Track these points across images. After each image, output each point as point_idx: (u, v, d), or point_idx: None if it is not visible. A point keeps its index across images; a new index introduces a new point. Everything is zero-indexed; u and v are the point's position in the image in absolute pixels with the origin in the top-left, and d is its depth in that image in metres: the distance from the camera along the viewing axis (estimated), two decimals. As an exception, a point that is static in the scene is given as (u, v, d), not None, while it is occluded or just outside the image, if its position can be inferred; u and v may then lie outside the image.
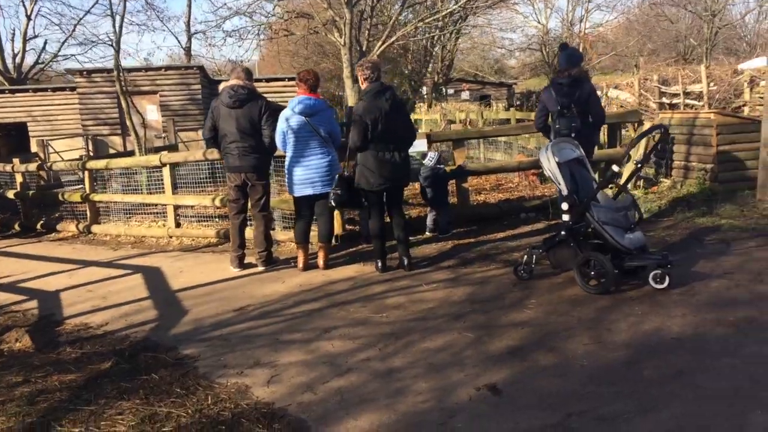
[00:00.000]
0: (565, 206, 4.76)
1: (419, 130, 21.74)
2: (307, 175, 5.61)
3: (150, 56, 50.80)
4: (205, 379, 3.68)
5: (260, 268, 6.09)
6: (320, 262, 5.89)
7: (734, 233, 5.79)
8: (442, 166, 6.91)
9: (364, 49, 21.40)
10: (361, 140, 5.39)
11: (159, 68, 15.93)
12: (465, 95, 35.23)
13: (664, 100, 16.60)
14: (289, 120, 5.58)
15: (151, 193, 8.98)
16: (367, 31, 21.97)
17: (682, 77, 15.85)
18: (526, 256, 5.01)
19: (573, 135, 5.61)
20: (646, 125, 8.19)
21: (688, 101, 15.66)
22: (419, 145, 7.09)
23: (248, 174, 5.93)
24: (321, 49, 27.41)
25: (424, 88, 27.40)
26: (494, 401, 3.12)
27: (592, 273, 4.57)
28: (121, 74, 11.95)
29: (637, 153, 6.97)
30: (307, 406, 3.23)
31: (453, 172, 7.14)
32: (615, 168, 4.59)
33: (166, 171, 8.23)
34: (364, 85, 5.48)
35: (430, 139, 7.21)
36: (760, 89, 13.79)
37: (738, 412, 2.81)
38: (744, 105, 13.97)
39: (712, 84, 14.68)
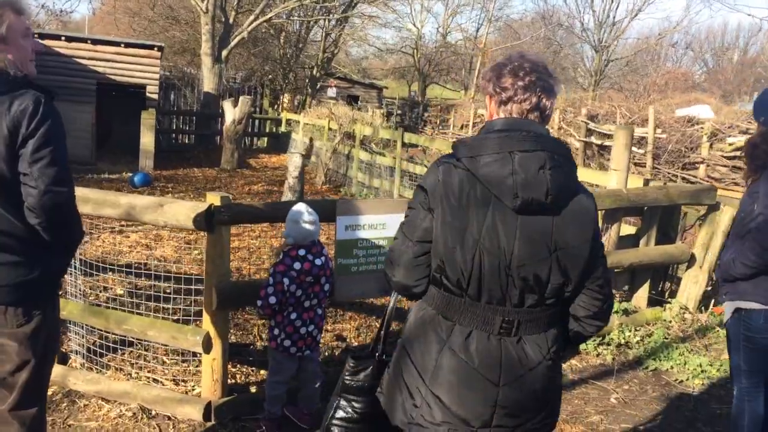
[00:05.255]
0: None
1: (301, 142, 16.44)
2: None
3: None
4: None
5: None
6: None
7: None
8: None
9: (231, 21, 16.74)
10: (407, 272, 1.71)
11: None
12: (331, 92, 31.25)
13: (593, 139, 14.04)
14: None
15: None
16: (236, 0, 17.31)
17: (621, 116, 13.34)
18: None
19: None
20: (726, 212, 4.95)
21: (625, 146, 13.13)
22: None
23: None
24: (171, 12, 21.96)
25: (307, 80, 23.00)
26: None
27: None
28: None
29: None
30: None
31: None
32: None
33: None
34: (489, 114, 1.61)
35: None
36: (722, 146, 11.53)
37: None
38: (701, 162, 11.63)
39: (659, 130, 12.25)
